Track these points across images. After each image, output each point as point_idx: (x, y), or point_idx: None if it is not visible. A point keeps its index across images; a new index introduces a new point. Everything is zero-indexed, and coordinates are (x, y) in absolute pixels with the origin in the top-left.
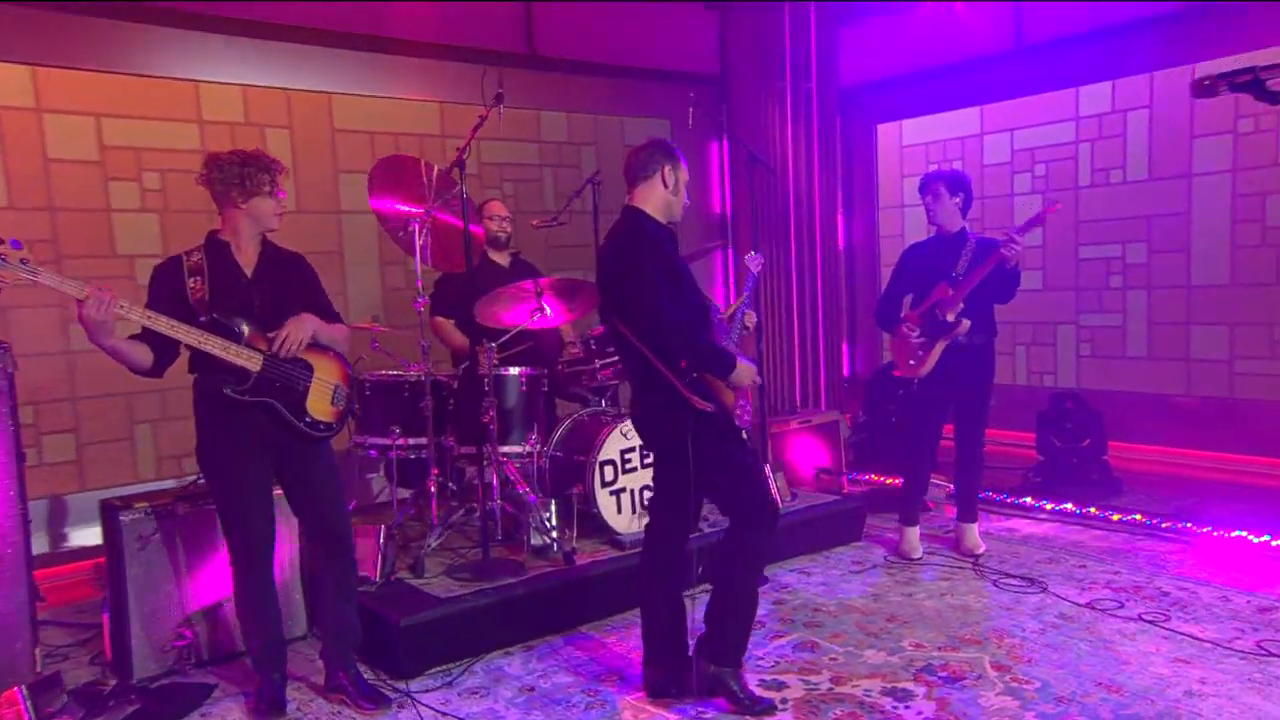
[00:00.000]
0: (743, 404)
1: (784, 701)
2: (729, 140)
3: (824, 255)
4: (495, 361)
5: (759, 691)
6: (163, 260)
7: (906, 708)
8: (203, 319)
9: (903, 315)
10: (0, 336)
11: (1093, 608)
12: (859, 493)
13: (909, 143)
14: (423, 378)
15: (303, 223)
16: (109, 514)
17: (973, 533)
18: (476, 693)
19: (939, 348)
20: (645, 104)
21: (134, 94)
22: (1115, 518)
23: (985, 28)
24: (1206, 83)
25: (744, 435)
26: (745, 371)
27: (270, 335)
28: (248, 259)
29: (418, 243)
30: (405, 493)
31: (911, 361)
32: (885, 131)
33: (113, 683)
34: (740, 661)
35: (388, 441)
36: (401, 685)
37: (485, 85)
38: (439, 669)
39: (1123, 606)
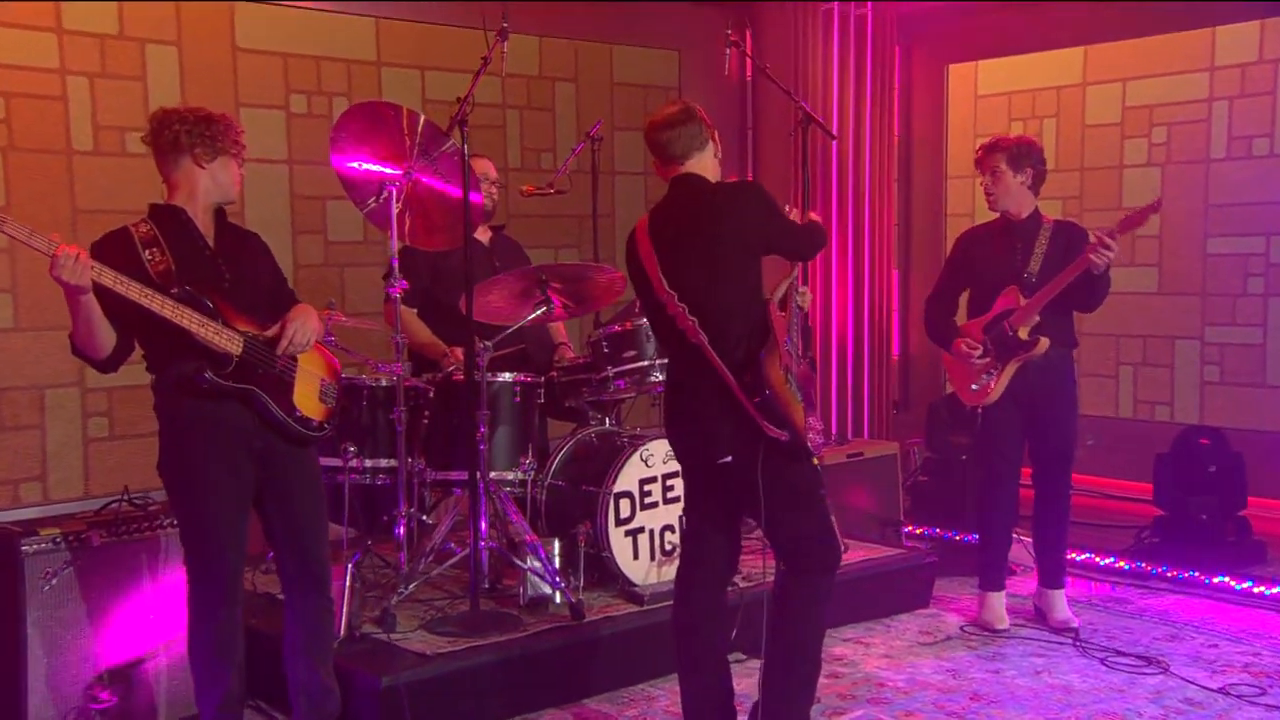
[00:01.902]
0: (812, 423)
1: None
2: (758, 87)
3: (872, 237)
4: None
5: None
6: (101, 237)
7: None
8: (174, 291)
9: (960, 325)
10: None
11: (1227, 693)
12: (924, 548)
13: (987, 92)
14: (392, 381)
15: None
16: (3, 542)
17: (1061, 602)
18: None
19: (1010, 370)
20: (644, 29)
21: None
22: (1258, 590)
23: None
24: None
25: (815, 460)
26: None
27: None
28: (204, 228)
29: (394, 213)
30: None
31: (974, 386)
32: (958, 75)
33: None
34: None
35: (338, 463)
36: None
37: (484, 15)
38: None
39: (1264, 693)
